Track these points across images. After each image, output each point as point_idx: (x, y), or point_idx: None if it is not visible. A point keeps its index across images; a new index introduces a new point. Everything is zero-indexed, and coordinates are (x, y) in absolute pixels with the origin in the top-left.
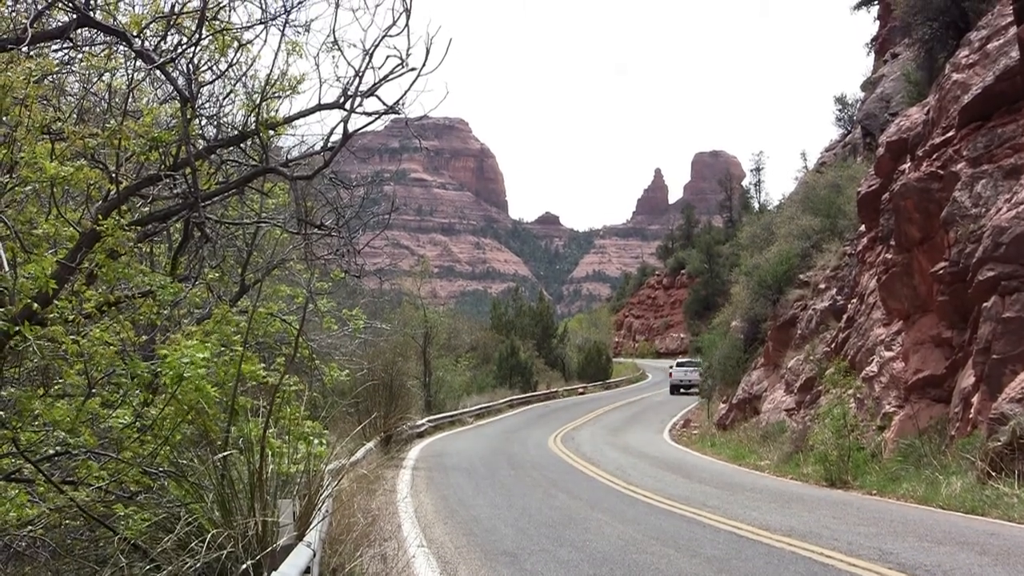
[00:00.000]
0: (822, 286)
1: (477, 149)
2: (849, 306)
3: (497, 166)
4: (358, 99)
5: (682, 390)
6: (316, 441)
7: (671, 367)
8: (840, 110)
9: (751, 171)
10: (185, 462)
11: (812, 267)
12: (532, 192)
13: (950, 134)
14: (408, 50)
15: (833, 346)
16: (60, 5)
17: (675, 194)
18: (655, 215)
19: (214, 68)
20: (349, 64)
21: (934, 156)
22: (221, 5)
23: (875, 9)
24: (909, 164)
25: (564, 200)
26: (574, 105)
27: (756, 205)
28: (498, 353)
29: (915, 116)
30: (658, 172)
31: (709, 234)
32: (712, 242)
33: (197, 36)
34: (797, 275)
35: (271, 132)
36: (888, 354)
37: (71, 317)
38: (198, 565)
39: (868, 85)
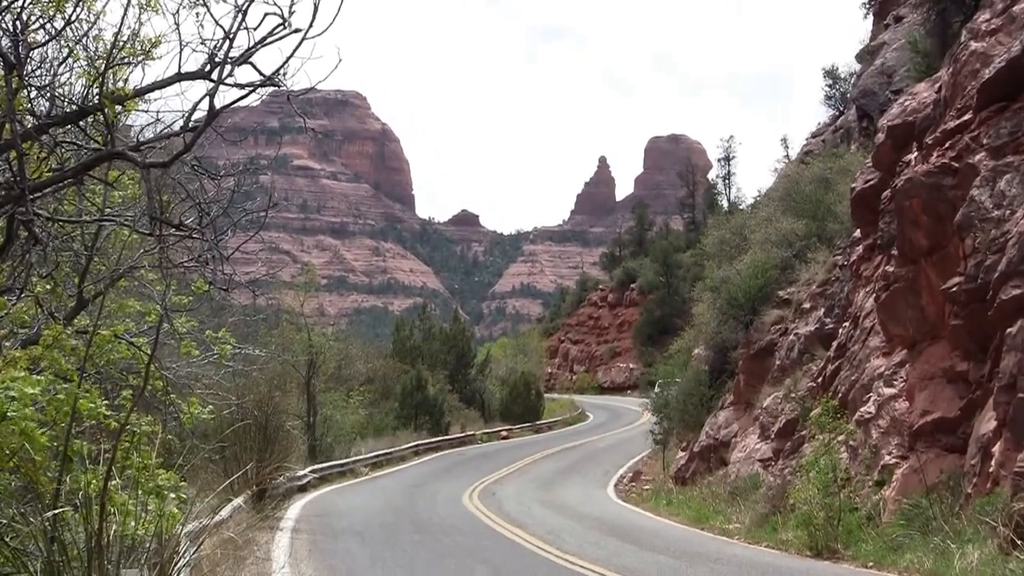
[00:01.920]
0: (806, 306)
1: (377, 130)
2: (840, 331)
3: (402, 152)
4: (228, 67)
5: None
6: (171, 496)
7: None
8: (830, 86)
9: (719, 161)
10: (4, 521)
11: (794, 282)
12: (445, 185)
13: (967, 117)
14: (291, 7)
15: (820, 381)
16: None
17: (624, 189)
18: (599, 215)
19: (47, 26)
20: (217, 23)
21: (947, 144)
22: None
23: None
24: (916, 154)
25: (485, 195)
26: (498, 77)
27: (725, 203)
28: (401, 386)
29: (923, 95)
30: (603, 161)
31: (666, 239)
32: (670, 249)
33: None
34: (775, 292)
35: (119, 107)
36: (888, 391)
37: None
38: None
39: (865, 55)
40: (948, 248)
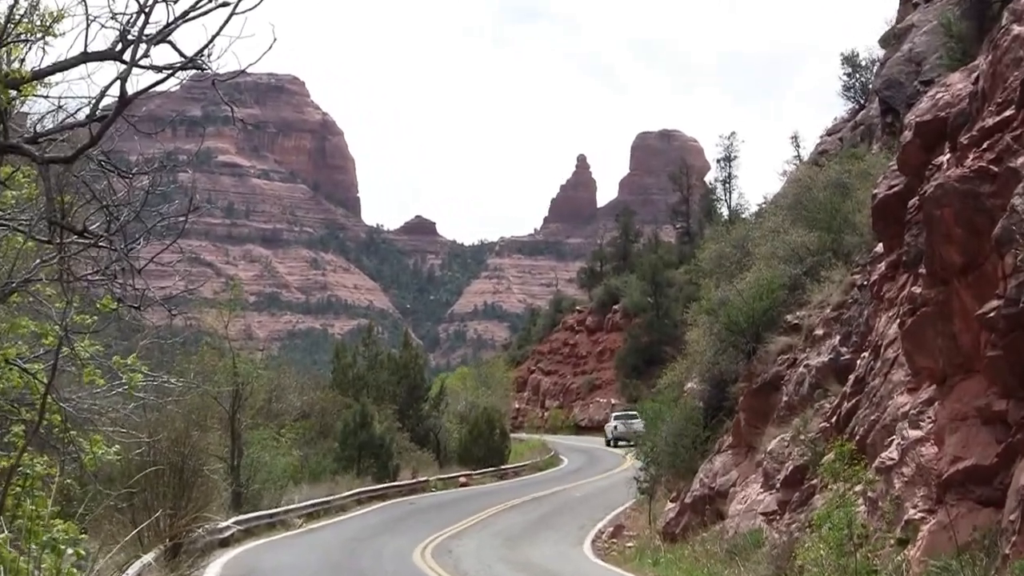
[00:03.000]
0: (819, 332)
1: (317, 121)
2: (858, 362)
3: (346, 147)
4: (143, 46)
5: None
6: (69, 551)
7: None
8: (849, 75)
9: (718, 161)
10: None
11: (805, 304)
12: (397, 187)
13: (1008, 113)
14: None
15: (834, 421)
16: None
17: (607, 193)
18: (577, 223)
19: None
20: None
21: (984, 145)
22: None
23: None
24: (948, 156)
25: (443, 200)
26: (461, 61)
27: (725, 211)
28: (342, 423)
29: (958, 86)
30: (582, 160)
31: (655, 252)
32: (659, 264)
33: None
34: (783, 316)
35: (13, 92)
36: (914, 434)
37: None
38: None
39: (891, 39)
40: (985, 266)
